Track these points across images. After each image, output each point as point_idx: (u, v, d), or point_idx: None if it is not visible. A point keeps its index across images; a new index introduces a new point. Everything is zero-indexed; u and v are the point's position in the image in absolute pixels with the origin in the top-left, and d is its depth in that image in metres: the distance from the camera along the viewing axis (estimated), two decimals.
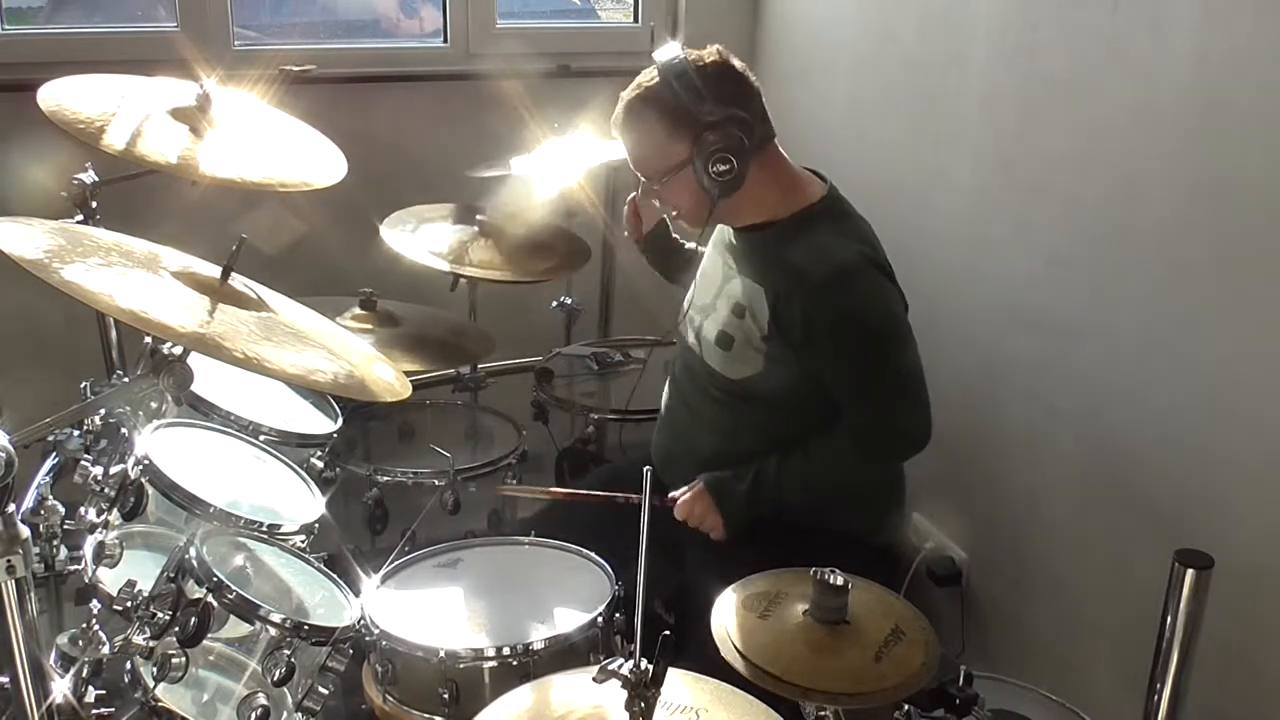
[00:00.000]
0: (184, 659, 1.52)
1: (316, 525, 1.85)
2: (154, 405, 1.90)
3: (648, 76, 1.92)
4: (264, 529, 1.76)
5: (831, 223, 1.97)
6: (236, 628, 1.59)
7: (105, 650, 1.54)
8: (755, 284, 1.96)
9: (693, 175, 1.89)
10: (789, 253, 1.92)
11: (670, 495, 2.01)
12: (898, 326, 1.95)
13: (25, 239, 1.37)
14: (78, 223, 1.98)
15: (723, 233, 2.10)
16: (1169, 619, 1.29)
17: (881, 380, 1.95)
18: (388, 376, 1.61)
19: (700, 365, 2.05)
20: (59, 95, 1.82)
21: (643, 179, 1.99)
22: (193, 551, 1.58)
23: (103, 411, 1.95)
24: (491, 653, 1.65)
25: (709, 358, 2.02)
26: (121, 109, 1.84)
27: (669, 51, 1.91)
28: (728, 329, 1.99)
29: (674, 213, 2.03)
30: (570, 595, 1.80)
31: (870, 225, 2.01)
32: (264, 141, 2.00)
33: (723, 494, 1.98)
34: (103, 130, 1.77)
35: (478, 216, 2.58)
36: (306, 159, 2.03)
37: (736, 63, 1.93)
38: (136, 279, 1.42)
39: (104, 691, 1.54)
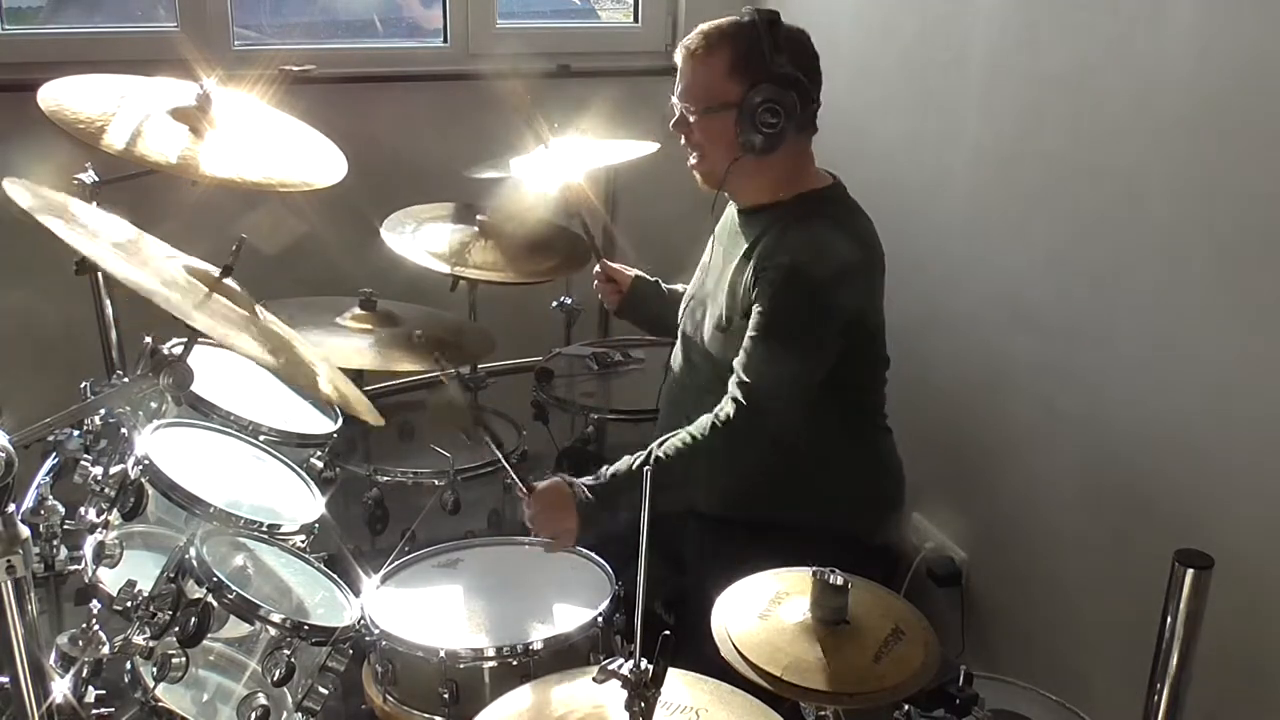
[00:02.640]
0: (184, 659, 1.52)
1: (316, 525, 1.85)
2: (154, 405, 1.90)
3: (738, 15, 1.94)
4: (264, 529, 1.76)
5: (829, 211, 1.98)
6: (236, 628, 1.59)
7: (105, 650, 1.54)
8: (749, 262, 1.96)
9: (734, 119, 1.90)
10: (781, 232, 1.93)
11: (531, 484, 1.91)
12: (825, 313, 1.90)
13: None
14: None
15: (727, 223, 2.10)
16: (1169, 619, 1.29)
17: (768, 334, 1.89)
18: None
19: (701, 356, 2.05)
20: (59, 95, 1.82)
21: (682, 109, 1.97)
22: (193, 551, 1.58)
23: (103, 411, 1.94)
24: (491, 653, 1.65)
25: (710, 344, 2.03)
26: (121, 109, 1.84)
27: (758, 7, 1.94)
28: (726, 310, 1.99)
29: (694, 158, 2.01)
30: (570, 595, 1.80)
31: (872, 223, 2.01)
32: (264, 141, 2.00)
33: (577, 494, 1.87)
34: (103, 130, 1.77)
35: (477, 217, 2.58)
36: (306, 159, 2.03)
37: (814, 47, 1.96)
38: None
39: (104, 691, 1.54)
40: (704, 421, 1.92)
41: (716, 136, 1.94)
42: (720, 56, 1.91)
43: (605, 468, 1.92)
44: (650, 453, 1.91)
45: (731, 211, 2.11)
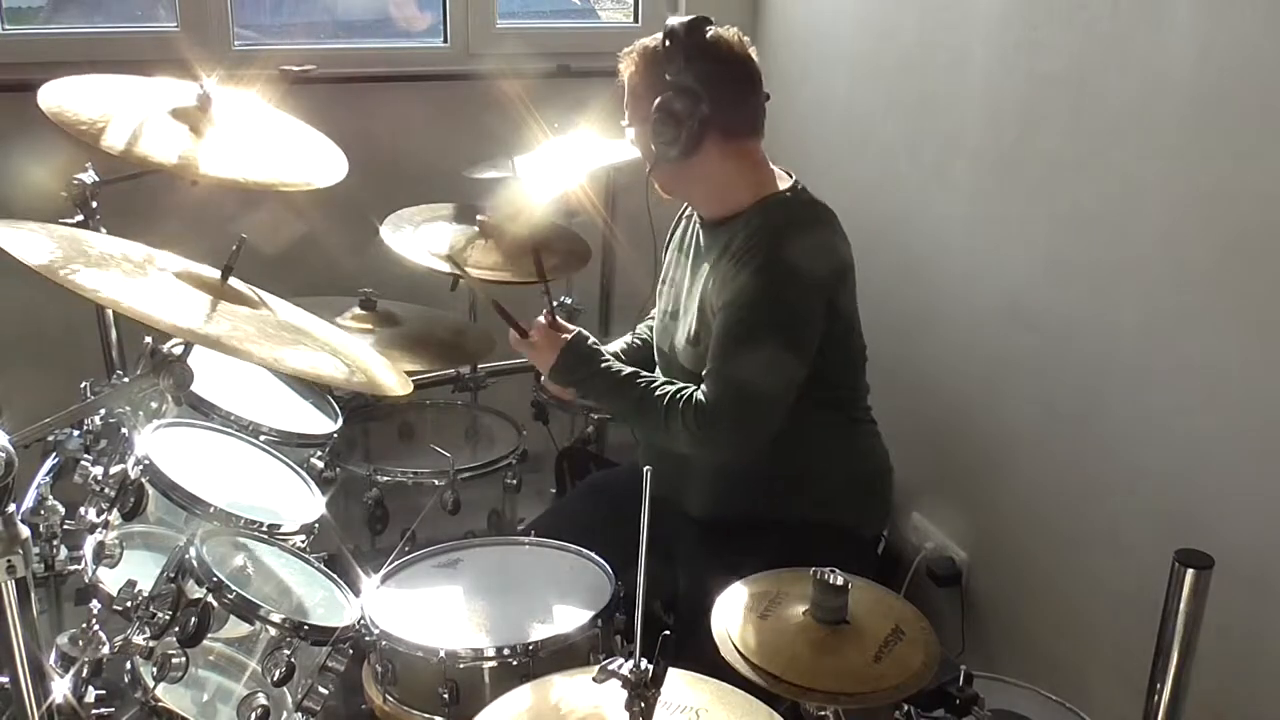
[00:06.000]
0: (184, 659, 1.52)
1: (316, 525, 1.85)
2: (154, 405, 1.90)
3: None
4: (264, 529, 1.76)
5: (791, 211, 1.95)
6: (236, 628, 1.59)
7: (105, 650, 1.54)
8: (716, 271, 1.94)
9: (649, 131, 1.93)
10: (747, 237, 1.90)
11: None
12: (796, 309, 1.88)
13: (34, 244, 1.37)
14: (78, 223, 1.98)
15: (689, 237, 2.10)
16: (1169, 619, 1.29)
17: (747, 340, 1.87)
18: (388, 377, 1.61)
19: (679, 373, 2.02)
20: (60, 96, 1.82)
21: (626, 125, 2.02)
22: (193, 551, 1.58)
23: (103, 411, 1.94)
24: (491, 653, 1.65)
25: (685, 360, 2.01)
26: (122, 109, 1.84)
27: (682, 17, 1.94)
28: (696, 325, 1.98)
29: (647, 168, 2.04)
30: (570, 595, 1.80)
31: (836, 216, 1.98)
32: (264, 141, 2.00)
33: (576, 351, 2.00)
34: (103, 131, 1.77)
35: (478, 217, 2.58)
36: (306, 159, 2.03)
37: (741, 51, 1.94)
38: (140, 281, 1.42)
39: (104, 691, 1.53)
40: (685, 411, 1.87)
41: (641, 148, 2.00)
42: (635, 73, 1.96)
43: (611, 363, 2.00)
44: (648, 388, 1.93)
45: (695, 225, 2.09)
